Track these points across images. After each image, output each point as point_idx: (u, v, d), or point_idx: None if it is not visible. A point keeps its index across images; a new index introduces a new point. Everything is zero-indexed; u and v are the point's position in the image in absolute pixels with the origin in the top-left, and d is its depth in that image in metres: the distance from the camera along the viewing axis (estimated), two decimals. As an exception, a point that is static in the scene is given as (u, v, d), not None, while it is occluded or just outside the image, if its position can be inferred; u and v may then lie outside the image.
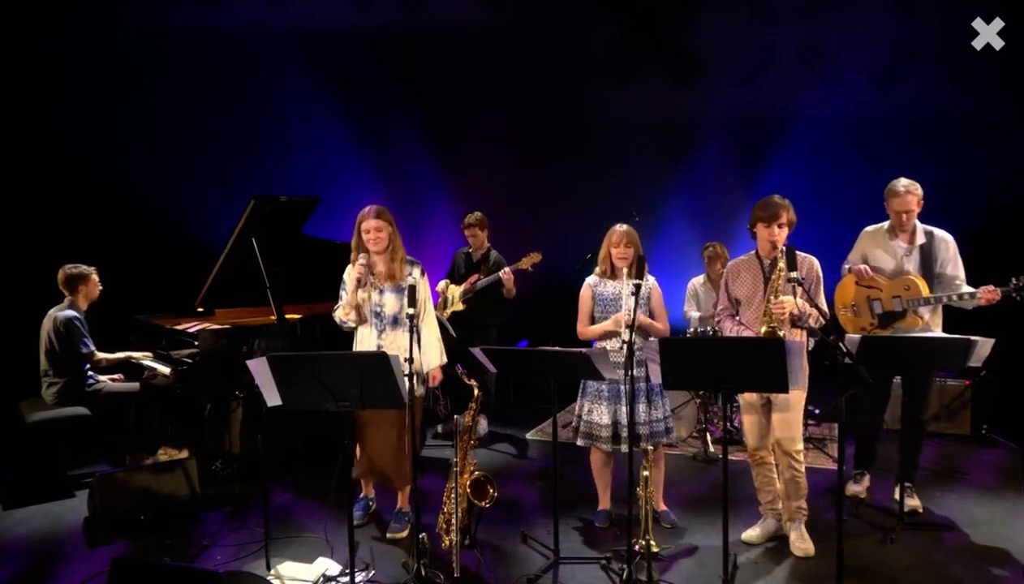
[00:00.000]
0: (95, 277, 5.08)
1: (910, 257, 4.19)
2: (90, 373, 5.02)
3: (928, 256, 4.15)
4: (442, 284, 5.96)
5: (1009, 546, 3.84)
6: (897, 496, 4.22)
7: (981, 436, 5.64)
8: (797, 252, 3.46)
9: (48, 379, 4.92)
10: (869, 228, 4.37)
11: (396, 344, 3.89)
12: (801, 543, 3.76)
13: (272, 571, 3.63)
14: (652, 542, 3.56)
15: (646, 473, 3.67)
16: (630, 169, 7.36)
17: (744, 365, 3.04)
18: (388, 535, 4.04)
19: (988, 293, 3.92)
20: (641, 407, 3.91)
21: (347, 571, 3.38)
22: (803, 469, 3.78)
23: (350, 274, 3.99)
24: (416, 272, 4.00)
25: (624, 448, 3.82)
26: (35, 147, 6.64)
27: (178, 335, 5.07)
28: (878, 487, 4.60)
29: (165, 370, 4.93)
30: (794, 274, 3.32)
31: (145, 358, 5.18)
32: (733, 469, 4.14)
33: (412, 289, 3.51)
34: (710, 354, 3.16)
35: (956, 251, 4.16)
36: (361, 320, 3.95)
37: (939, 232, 4.19)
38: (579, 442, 4.08)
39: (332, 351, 3.86)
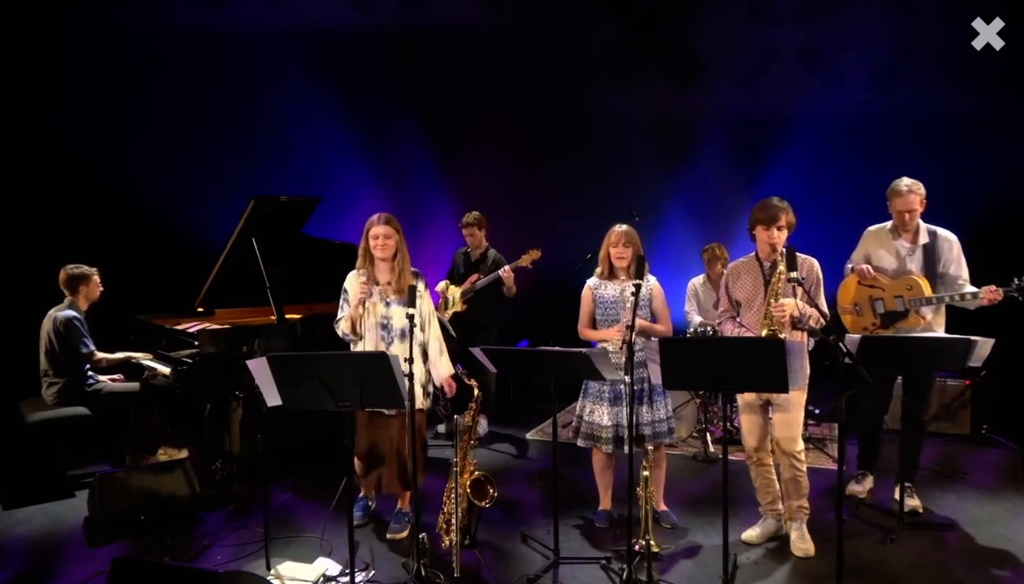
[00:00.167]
0: (96, 278, 5.08)
1: (913, 257, 4.18)
2: (90, 373, 5.02)
3: (931, 256, 4.15)
4: (442, 285, 5.96)
5: (1009, 546, 3.84)
6: (897, 496, 4.23)
7: (981, 436, 5.64)
8: (797, 253, 3.47)
9: (48, 379, 4.92)
10: (872, 228, 4.37)
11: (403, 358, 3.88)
12: (802, 543, 3.77)
13: (272, 571, 3.63)
14: (652, 542, 3.56)
15: (646, 473, 3.67)
16: (630, 169, 7.36)
17: (744, 365, 3.04)
18: (388, 535, 4.04)
19: (990, 293, 3.92)
20: (644, 408, 3.91)
21: (347, 571, 3.38)
22: (804, 468, 3.78)
23: (351, 282, 3.98)
24: (420, 285, 3.97)
25: (625, 448, 3.82)
26: (35, 147, 6.64)
27: (178, 335, 5.07)
28: (878, 487, 4.60)
29: (165, 370, 4.93)
30: (794, 274, 3.33)
31: (145, 358, 5.18)
32: (733, 469, 4.13)
33: (412, 289, 3.52)
34: (710, 354, 3.16)
35: (960, 251, 4.15)
36: (358, 336, 3.91)
37: (943, 232, 4.18)
38: (580, 443, 4.07)
39: (332, 351, 3.88)
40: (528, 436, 5.98)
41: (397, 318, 3.89)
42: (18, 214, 6.49)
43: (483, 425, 5.92)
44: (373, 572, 3.66)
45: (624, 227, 3.97)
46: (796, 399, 3.73)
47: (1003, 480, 4.82)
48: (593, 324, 4.06)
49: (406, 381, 3.17)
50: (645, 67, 7.34)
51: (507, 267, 5.62)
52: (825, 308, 3.62)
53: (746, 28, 7.08)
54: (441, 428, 6.04)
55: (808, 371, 3.78)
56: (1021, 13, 6.24)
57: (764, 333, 3.63)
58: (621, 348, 3.76)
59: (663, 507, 4.20)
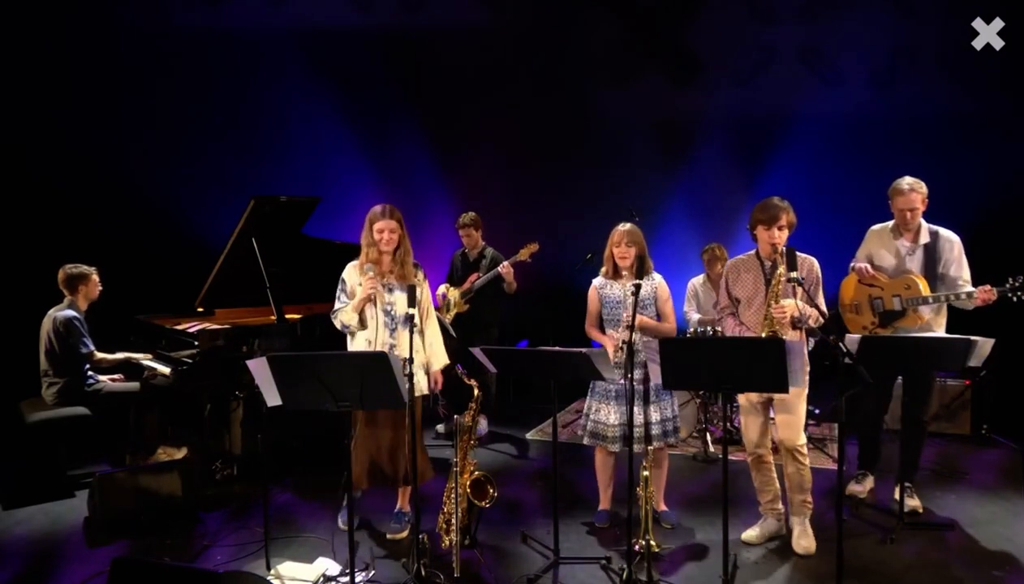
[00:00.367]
0: (95, 277, 5.08)
1: (913, 256, 4.19)
2: (90, 373, 5.02)
3: (932, 256, 4.14)
4: (442, 288, 5.95)
5: (1009, 546, 3.84)
6: (897, 496, 4.23)
7: (981, 436, 5.64)
8: (797, 253, 3.49)
9: (48, 379, 4.92)
10: (875, 227, 4.37)
11: (406, 344, 3.88)
12: (804, 540, 3.78)
13: (272, 571, 3.63)
14: (652, 542, 3.56)
15: (646, 473, 3.67)
16: (630, 169, 7.35)
17: (744, 365, 3.04)
18: (388, 535, 4.04)
19: (984, 293, 3.92)
20: (652, 408, 3.91)
21: (347, 571, 3.38)
22: (807, 462, 3.80)
23: (350, 273, 3.98)
24: (420, 275, 4.02)
25: (635, 447, 3.83)
26: (35, 147, 6.65)
27: (178, 335, 5.07)
28: (878, 487, 4.61)
29: (165, 370, 4.93)
30: (794, 274, 3.35)
31: (145, 358, 5.18)
32: (733, 469, 4.14)
33: (412, 289, 3.54)
34: (710, 354, 3.17)
35: (961, 252, 4.14)
36: (363, 326, 3.92)
37: (944, 232, 4.18)
38: (586, 441, 4.08)
39: (332, 351, 3.88)
40: (528, 436, 5.98)
41: (400, 304, 3.90)
42: (18, 214, 6.49)
43: (483, 425, 5.92)
44: (373, 572, 3.66)
45: (627, 226, 3.96)
46: (796, 399, 3.73)
47: (1003, 480, 4.82)
48: (600, 324, 4.06)
49: (406, 381, 3.18)
50: (645, 67, 7.34)
51: (506, 263, 5.63)
52: (824, 308, 3.63)
53: (746, 28, 7.08)
54: (441, 428, 6.04)
55: (808, 369, 3.79)
56: (1021, 13, 6.23)
57: (764, 334, 3.65)
58: (620, 349, 3.75)
59: (663, 507, 4.21)
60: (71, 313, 4.90)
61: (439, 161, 7.59)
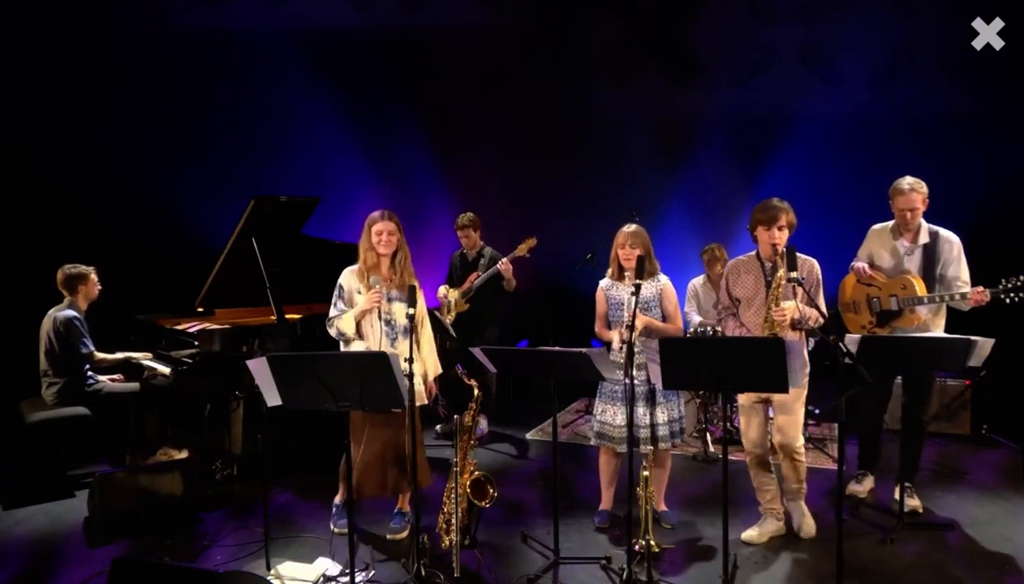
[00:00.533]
0: (94, 277, 5.08)
1: (912, 256, 4.19)
2: (90, 373, 5.01)
3: (931, 256, 4.15)
4: (442, 290, 5.95)
5: (1009, 546, 3.85)
6: (897, 496, 4.23)
7: (981, 436, 5.64)
8: (797, 254, 3.50)
9: (48, 379, 4.92)
10: (876, 226, 4.38)
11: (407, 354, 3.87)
12: (804, 520, 3.94)
13: (272, 571, 3.63)
14: (652, 542, 3.56)
15: (646, 473, 3.67)
16: (630, 169, 7.35)
17: (744, 365, 3.04)
18: (388, 535, 4.04)
19: (977, 294, 3.93)
20: (659, 409, 3.91)
21: (347, 571, 3.39)
22: (803, 458, 3.91)
23: (348, 279, 3.96)
24: (415, 282, 4.00)
25: (641, 448, 3.84)
26: (35, 147, 6.65)
27: (178, 335, 5.07)
28: (878, 487, 4.61)
29: (165, 370, 4.93)
30: (794, 274, 3.36)
31: (145, 358, 5.18)
32: (733, 469, 4.13)
33: (412, 289, 3.54)
34: (710, 354, 3.17)
35: (960, 252, 4.14)
36: (359, 336, 3.89)
37: (944, 232, 4.18)
38: (593, 441, 4.10)
39: (332, 351, 3.88)
40: (528, 436, 5.98)
41: (399, 314, 3.90)
42: (18, 214, 6.49)
43: (483, 425, 5.92)
44: (373, 572, 3.66)
45: (632, 228, 3.96)
46: (796, 400, 3.77)
47: (1003, 480, 4.82)
48: (608, 325, 4.07)
49: (406, 381, 3.18)
50: (645, 67, 7.34)
51: (504, 260, 5.63)
52: (824, 309, 3.64)
53: (746, 28, 7.08)
54: (441, 428, 6.04)
55: (808, 370, 3.80)
56: (1021, 13, 6.23)
57: (764, 335, 3.66)
58: (621, 348, 3.76)
59: (663, 507, 4.21)
60: (71, 313, 4.90)
61: (439, 161, 7.59)
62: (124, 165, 6.86)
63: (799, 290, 3.50)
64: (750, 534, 3.93)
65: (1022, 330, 5.18)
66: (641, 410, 3.88)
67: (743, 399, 3.93)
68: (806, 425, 5.73)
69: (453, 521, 3.67)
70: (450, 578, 3.53)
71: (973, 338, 3.52)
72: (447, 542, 3.77)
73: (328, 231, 5.50)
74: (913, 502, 4.26)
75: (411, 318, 3.46)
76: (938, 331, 4.19)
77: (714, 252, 5.73)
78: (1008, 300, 3.89)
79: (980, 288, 3.93)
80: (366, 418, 3.84)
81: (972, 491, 4.62)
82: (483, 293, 5.79)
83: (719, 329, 4.89)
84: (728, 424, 3.78)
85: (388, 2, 7.37)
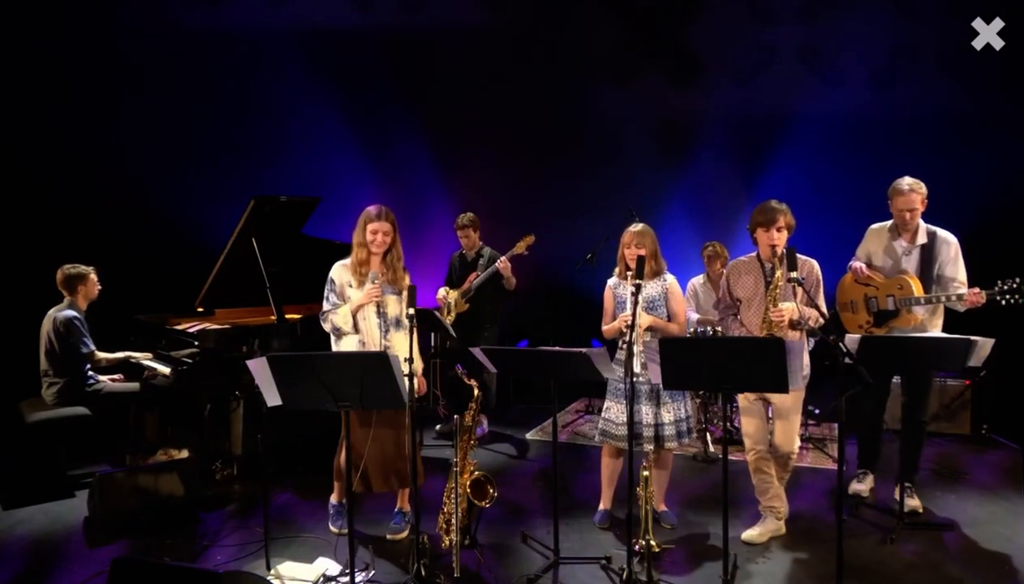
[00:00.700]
0: (94, 277, 5.08)
1: (910, 256, 4.20)
2: (90, 373, 5.01)
3: (928, 256, 4.15)
4: (441, 292, 5.94)
5: (1009, 546, 3.85)
6: (897, 496, 4.23)
7: (981, 436, 5.65)
8: (798, 255, 3.53)
9: (48, 379, 4.92)
10: (875, 226, 4.39)
11: (398, 346, 3.89)
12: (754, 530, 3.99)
13: (272, 571, 3.63)
14: (652, 542, 3.56)
15: (646, 473, 3.67)
16: (630, 169, 7.36)
17: (744, 365, 3.04)
18: (388, 535, 4.04)
19: (973, 296, 3.93)
20: (663, 409, 3.92)
21: (347, 571, 3.39)
22: (795, 458, 4.03)
23: (340, 273, 3.94)
24: (407, 279, 4.00)
25: (644, 447, 3.85)
26: (35, 147, 6.65)
27: (178, 335, 5.07)
28: (879, 487, 4.61)
29: (165, 370, 4.93)
30: (794, 274, 3.39)
31: (145, 358, 5.18)
32: (733, 469, 4.14)
33: (412, 289, 3.54)
34: (710, 354, 3.17)
35: (958, 253, 4.15)
36: (355, 331, 3.90)
37: (942, 233, 4.18)
38: (597, 438, 4.11)
39: (332, 351, 3.88)
40: (528, 436, 5.98)
41: (392, 306, 3.91)
42: (18, 214, 6.49)
43: (483, 425, 5.92)
44: (373, 572, 3.66)
45: (638, 228, 3.98)
46: (793, 406, 3.85)
47: (1003, 480, 4.82)
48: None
49: (406, 381, 3.18)
50: (645, 67, 7.34)
51: (503, 258, 5.63)
52: (824, 309, 3.65)
53: (746, 28, 7.08)
54: (441, 428, 6.04)
55: (808, 374, 3.83)
56: (1021, 13, 6.23)
57: (763, 335, 3.68)
58: (624, 331, 3.75)
59: (663, 507, 4.21)
60: (71, 313, 4.90)
61: (439, 161, 7.59)
62: (124, 165, 6.86)
63: (799, 290, 3.53)
64: (750, 534, 3.93)
65: (1022, 330, 5.18)
66: (645, 409, 3.89)
67: (743, 398, 3.95)
68: (806, 425, 5.75)
69: (453, 521, 3.67)
70: (450, 578, 3.53)
71: (973, 338, 3.52)
72: (447, 542, 3.77)
73: (328, 231, 5.50)
74: (913, 502, 4.26)
75: (411, 318, 3.45)
76: (935, 331, 4.19)
77: (715, 248, 5.74)
78: (1004, 302, 3.90)
79: (976, 290, 3.94)
80: (365, 416, 3.83)
81: (972, 491, 4.62)
82: (483, 293, 5.79)
83: (719, 329, 4.91)
84: (728, 424, 3.79)
85: (388, 2, 7.37)
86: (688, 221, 7.22)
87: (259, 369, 3.16)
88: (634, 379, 3.55)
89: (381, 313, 3.90)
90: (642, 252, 3.82)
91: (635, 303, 3.48)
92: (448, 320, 5.73)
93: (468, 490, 3.80)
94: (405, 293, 3.94)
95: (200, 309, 5.42)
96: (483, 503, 3.80)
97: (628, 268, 3.96)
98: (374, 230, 3.86)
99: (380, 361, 3.07)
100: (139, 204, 6.80)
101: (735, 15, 7.09)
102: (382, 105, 7.55)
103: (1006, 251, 5.03)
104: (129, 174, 6.86)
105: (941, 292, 4.09)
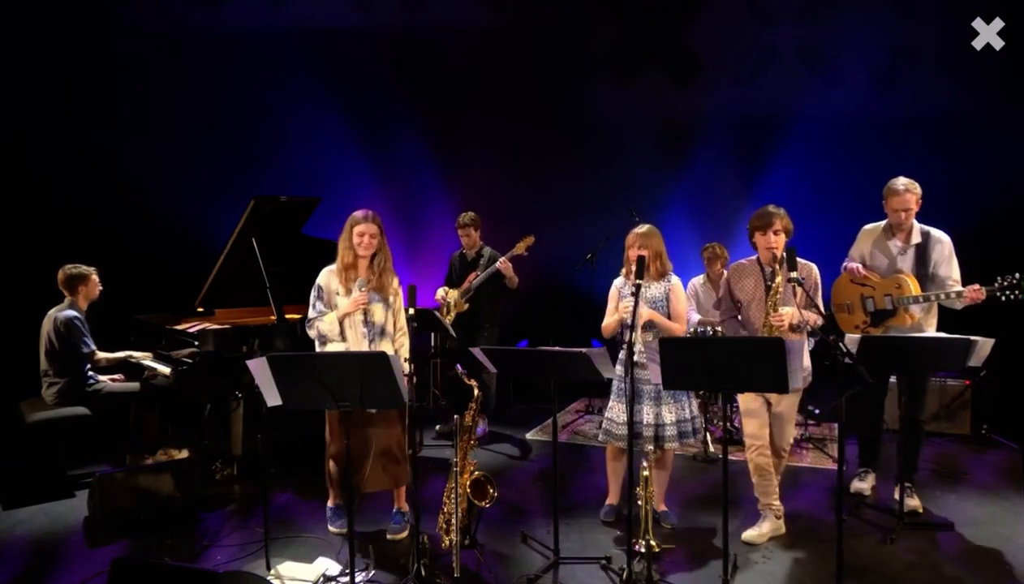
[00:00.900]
0: (95, 277, 5.08)
1: (905, 256, 4.21)
2: (90, 373, 5.01)
3: (923, 256, 4.18)
4: (440, 292, 5.94)
5: (1009, 546, 3.85)
6: (897, 496, 4.23)
7: (981, 436, 5.65)
8: (797, 258, 3.55)
9: (48, 379, 4.91)
10: (868, 226, 4.40)
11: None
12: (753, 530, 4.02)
13: (272, 571, 3.63)
14: (652, 542, 3.55)
15: (646, 473, 3.67)
16: (630, 169, 7.36)
17: (744, 365, 3.04)
18: (388, 536, 4.04)
19: (973, 292, 3.94)
20: (664, 408, 3.93)
21: (347, 571, 3.39)
22: (788, 455, 4.12)
23: (327, 279, 3.92)
24: (395, 282, 3.99)
25: (646, 446, 3.87)
26: (35, 147, 6.65)
27: (178, 335, 5.07)
28: (879, 487, 4.61)
29: (165, 370, 4.93)
30: (794, 274, 3.41)
31: (145, 358, 5.18)
32: (733, 469, 4.14)
33: (412, 288, 3.53)
34: (710, 354, 3.17)
35: (951, 252, 4.17)
36: (341, 339, 3.88)
37: (935, 232, 4.20)
38: (600, 438, 4.13)
39: (332, 351, 3.88)
40: (528, 436, 5.98)
41: (379, 314, 3.90)
42: (18, 214, 6.49)
43: (482, 425, 5.91)
44: (373, 572, 3.66)
45: (642, 229, 3.99)
46: (790, 406, 3.95)
47: (1003, 480, 4.82)
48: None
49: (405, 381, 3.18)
50: (645, 67, 7.34)
51: (503, 258, 5.63)
52: (822, 308, 3.67)
53: (746, 28, 7.08)
54: (440, 428, 6.04)
55: (810, 373, 3.85)
56: (1021, 13, 6.24)
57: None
58: (627, 312, 3.74)
59: (663, 507, 4.21)
60: (72, 313, 4.90)
61: (439, 161, 7.59)
62: (124, 165, 6.86)
63: (799, 290, 3.56)
64: (750, 534, 3.93)
65: (1022, 330, 5.18)
66: (647, 409, 3.90)
67: (744, 399, 3.97)
68: (806, 425, 5.75)
69: (453, 521, 3.67)
70: (450, 578, 3.53)
71: (973, 338, 3.53)
72: (447, 542, 3.77)
73: (328, 231, 5.47)
74: (913, 502, 4.26)
75: (411, 319, 3.45)
76: (930, 330, 4.21)
77: (715, 250, 5.74)
78: (1004, 298, 3.92)
79: (976, 286, 3.95)
80: (352, 417, 3.80)
81: (972, 491, 4.62)
82: (482, 293, 5.79)
83: (719, 329, 4.92)
84: (728, 424, 3.79)
85: (388, 2, 7.37)
86: (688, 221, 7.22)
87: (259, 369, 3.16)
88: (635, 379, 3.55)
89: (368, 322, 3.88)
90: (643, 253, 3.82)
91: (635, 303, 3.48)
92: (448, 320, 5.73)
93: (468, 490, 3.80)
94: (393, 299, 3.93)
95: (200, 309, 5.42)
96: (483, 503, 3.79)
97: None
98: (360, 232, 3.83)
99: (380, 361, 3.07)
100: (139, 204, 6.81)
101: (735, 15, 7.09)
102: (382, 105, 7.55)
103: (1006, 251, 5.03)
104: (129, 174, 6.86)
105: (938, 290, 4.10)
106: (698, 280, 5.86)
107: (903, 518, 4.06)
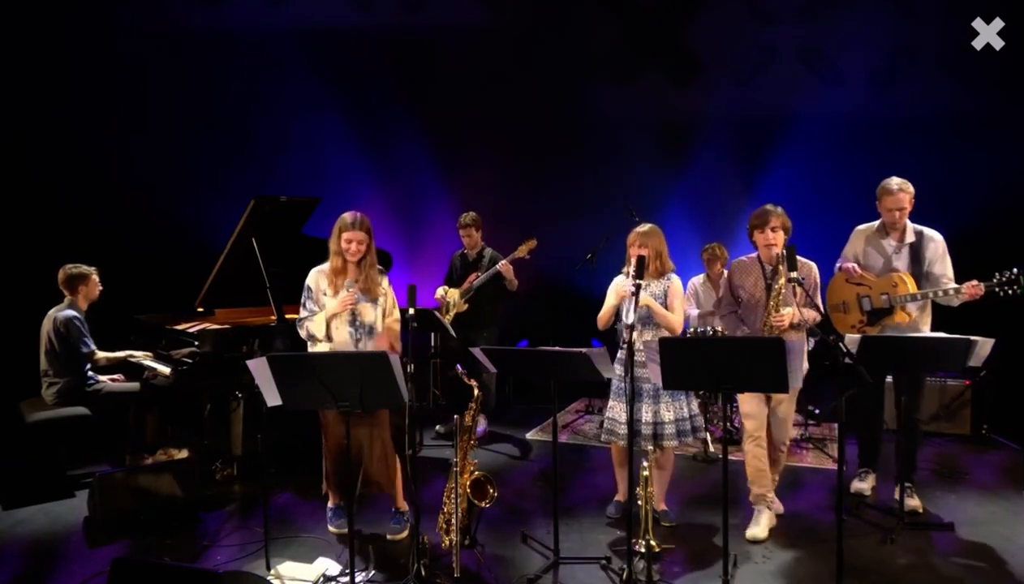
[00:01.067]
0: (95, 277, 5.08)
1: (900, 255, 4.24)
2: (90, 373, 5.01)
3: (917, 254, 4.20)
4: (440, 291, 5.94)
5: (1009, 546, 3.85)
6: (897, 496, 4.23)
7: (981, 436, 5.65)
8: (798, 257, 3.59)
9: (48, 379, 4.91)
10: (861, 227, 4.43)
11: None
12: (773, 503, 4.14)
13: (272, 571, 3.63)
14: (652, 542, 3.55)
15: (646, 473, 3.67)
16: (630, 169, 7.35)
17: (744, 365, 3.05)
18: (388, 536, 4.04)
19: (972, 288, 3.96)
20: (662, 406, 3.94)
21: (347, 571, 3.39)
22: (786, 451, 4.24)
23: (316, 280, 3.92)
24: (385, 282, 3.99)
25: (645, 445, 3.88)
26: (35, 147, 6.65)
27: (178, 335, 5.07)
28: (879, 487, 4.61)
29: (165, 370, 4.93)
30: (794, 274, 3.46)
31: (145, 358, 5.18)
32: (733, 469, 4.13)
33: (412, 289, 3.53)
34: (710, 354, 3.17)
35: (945, 250, 4.21)
36: (329, 339, 3.87)
37: (928, 231, 4.23)
38: (603, 437, 4.14)
39: (332, 351, 3.88)
40: (528, 436, 5.98)
41: (367, 314, 3.89)
42: (18, 214, 6.49)
43: (481, 425, 5.91)
44: (373, 572, 3.66)
45: (643, 228, 4.01)
46: (790, 402, 4.04)
47: (1003, 480, 4.82)
48: (616, 317, 4.08)
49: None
50: (645, 67, 7.34)
51: (504, 260, 5.63)
52: (822, 307, 3.70)
53: (746, 28, 7.08)
54: (441, 428, 6.04)
55: (806, 367, 3.88)
56: (1021, 13, 6.23)
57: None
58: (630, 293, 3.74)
59: (663, 506, 4.21)
60: (71, 313, 4.90)
61: (439, 161, 7.59)
62: (124, 165, 6.86)
63: (799, 290, 3.61)
64: (754, 532, 3.95)
65: (1022, 330, 5.18)
66: (645, 408, 3.91)
67: (742, 398, 4.01)
68: (806, 425, 5.75)
69: (453, 521, 3.67)
70: (450, 578, 3.53)
71: (973, 338, 3.53)
72: (447, 542, 3.77)
73: (328, 231, 5.48)
74: (913, 502, 4.26)
75: (411, 319, 3.45)
76: (925, 328, 4.24)
77: (714, 251, 5.74)
78: (1002, 293, 3.93)
79: (975, 282, 3.97)
80: (337, 416, 3.80)
81: (972, 491, 4.62)
82: (482, 294, 5.79)
83: (719, 329, 4.94)
84: (728, 424, 3.80)
85: (388, 2, 7.37)
86: (688, 221, 7.22)
87: (259, 369, 3.16)
88: (635, 378, 3.55)
89: (355, 322, 3.87)
90: (643, 252, 3.83)
91: (635, 303, 3.48)
92: (447, 318, 5.74)
93: (468, 490, 3.80)
94: (382, 299, 3.93)
95: (200, 309, 5.42)
96: (483, 503, 3.79)
97: None
98: (348, 239, 3.82)
99: (380, 361, 3.07)
100: (139, 204, 6.81)
101: (735, 15, 7.09)
102: (382, 105, 7.55)
103: (1006, 251, 5.02)
104: (129, 174, 6.86)
105: (935, 287, 4.11)
106: (698, 280, 5.86)
107: (903, 518, 4.06)
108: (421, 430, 5.81)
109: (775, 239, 3.84)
